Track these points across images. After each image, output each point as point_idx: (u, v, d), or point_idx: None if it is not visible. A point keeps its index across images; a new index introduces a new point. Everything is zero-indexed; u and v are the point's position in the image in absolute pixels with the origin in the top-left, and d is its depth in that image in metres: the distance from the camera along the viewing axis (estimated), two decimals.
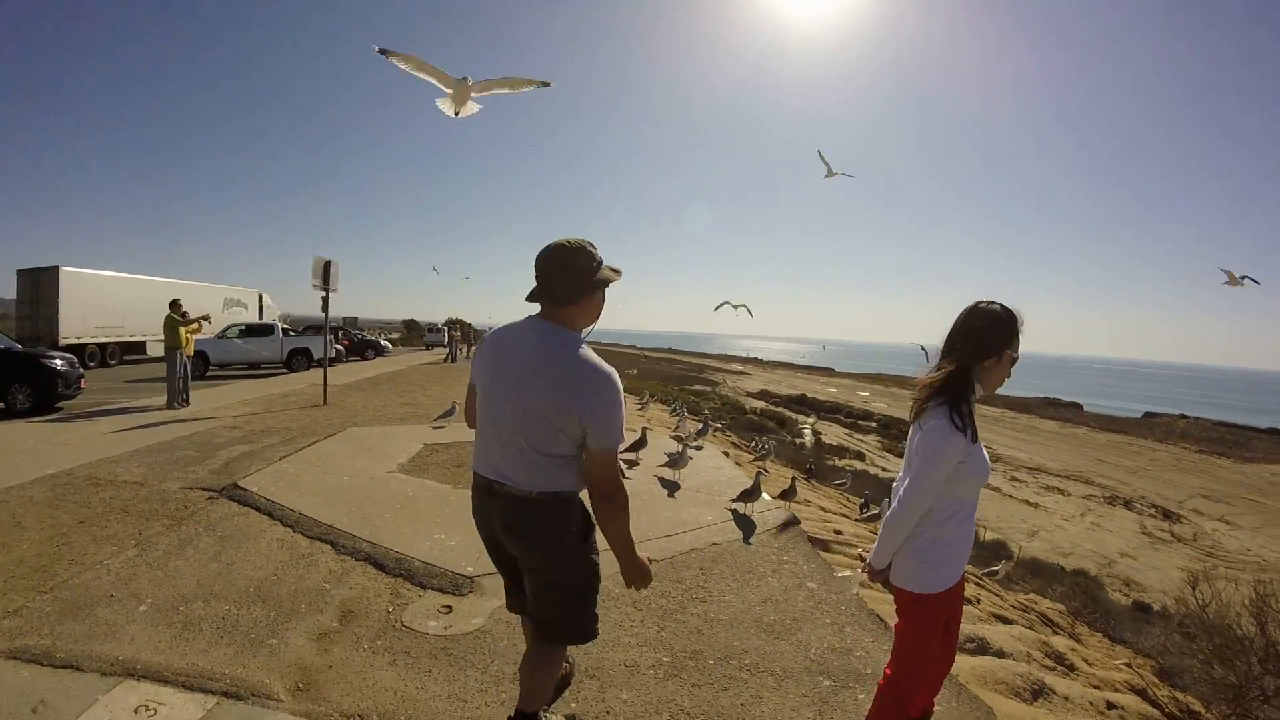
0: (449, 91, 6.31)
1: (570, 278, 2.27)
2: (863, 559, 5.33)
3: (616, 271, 2.41)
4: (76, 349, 20.23)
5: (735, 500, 6.25)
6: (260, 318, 31.94)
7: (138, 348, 25.18)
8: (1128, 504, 25.39)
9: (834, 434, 35.25)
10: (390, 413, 12.00)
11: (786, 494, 6.66)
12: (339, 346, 26.99)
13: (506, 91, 6.63)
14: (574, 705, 2.97)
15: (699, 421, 10.91)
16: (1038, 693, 3.71)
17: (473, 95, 6.50)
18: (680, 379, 48.39)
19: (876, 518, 7.16)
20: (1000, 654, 4.16)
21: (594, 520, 2.34)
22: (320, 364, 22.02)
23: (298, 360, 22.71)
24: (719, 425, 14.27)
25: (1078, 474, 30.35)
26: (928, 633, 2.42)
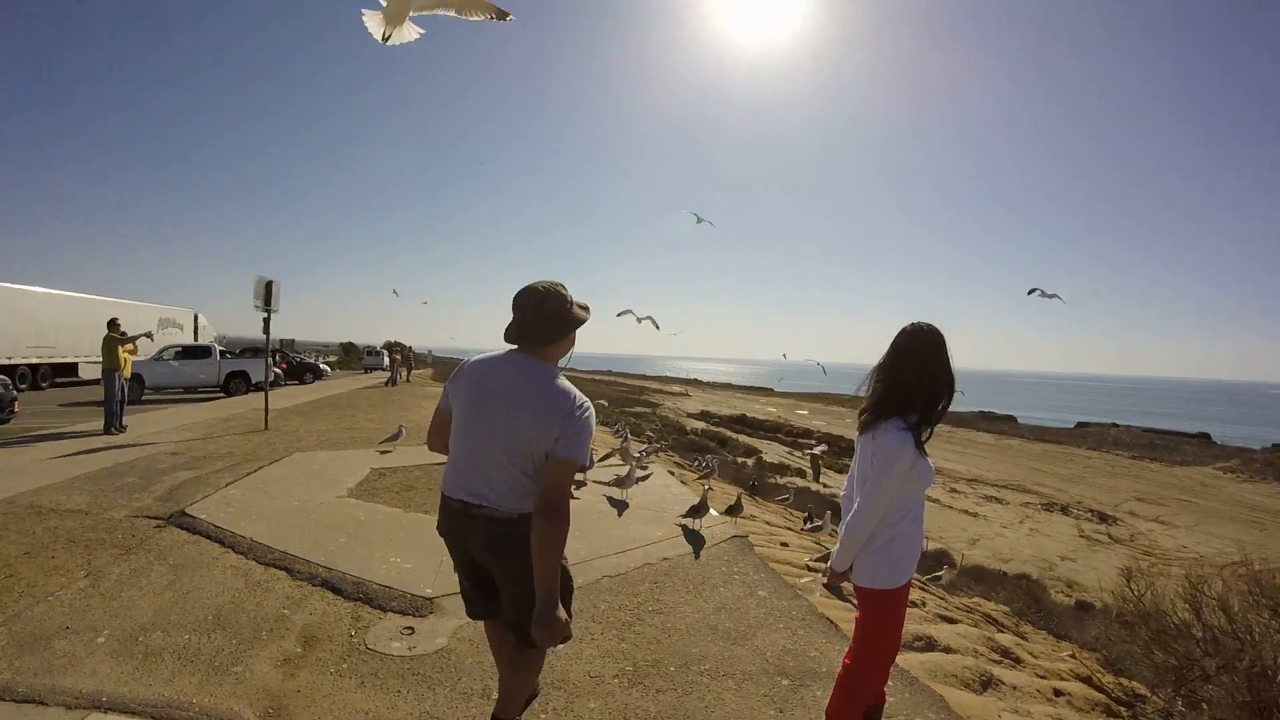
0: (383, 2, 4.97)
1: (549, 321, 2.48)
2: (810, 568, 5.54)
3: (586, 310, 2.63)
4: (7, 370, 19.16)
5: (684, 516, 6.38)
6: (196, 339, 31.02)
7: (69, 369, 24.12)
8: (1065, 510, 26.12)
9: (775, 452, 35.69)
10: (334, 437, 11.85)
11: (733, 509, 6.82)
12: (277, 370, 26.44)
13: (453, 14, 5.34)
14: (543, 717, 3.05)
15: (643, 442, 11.06)
16: (987, 683, 3.92)
17: (411, 14, 5.23)
18: (621, 401, 48.54)
19: (819, 529, 7.38)
20: (948, 650, 4.37)
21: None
22: (259, 387, 21.54)
23: (235, 383, 22.17)
24: (660, 446, 14.50)
25: (1015, 483, 31.21)
26: (889, 625, 2.66)
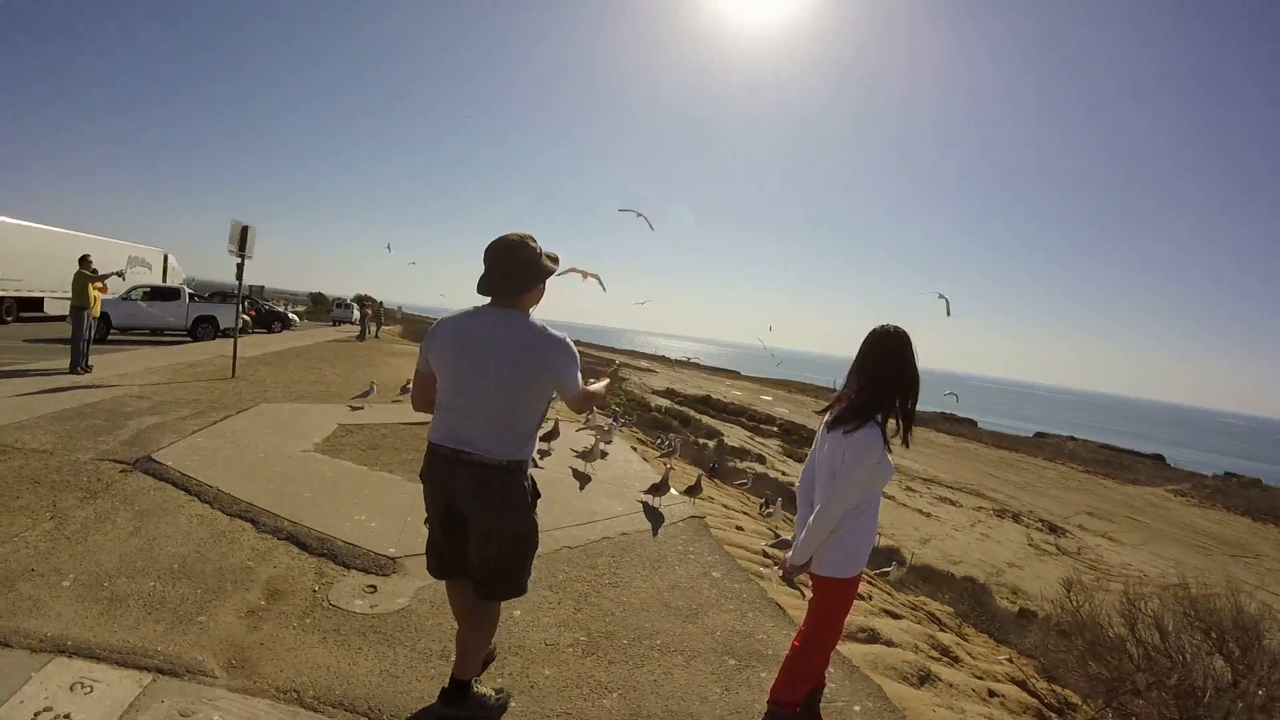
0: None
1: (521, 272, 2.64)
2: (767, 554, 5.70)
3: (555, 260, 2.79)
4: None
5: (645, 493, 6.50)
6: (165, 280, 30.32)
7: (35, 304, 23.55)
8: (1016, 517, 26.70)
9: (736, 436, 36.00)
10: (300, 390, 11.79)
11: (692, 490, 6.94)
12: (246, 317, 26.11)
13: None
14: (500, 680, 3.16)
15: (608, 416, 11.16)
16: (924, 679, 4.07)
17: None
18: (587, 372, 48.58)
19: (772, 515, 7.53)
20: (890, 643, 4.52)
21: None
22: (226, 334, 21.24)
23: (203, 328, 21.80)
24: (624, 422, 14.61)
25: (970, 487, 31.82)
26: (842, 611, 2.86)
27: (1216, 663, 5.59)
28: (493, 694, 2.92)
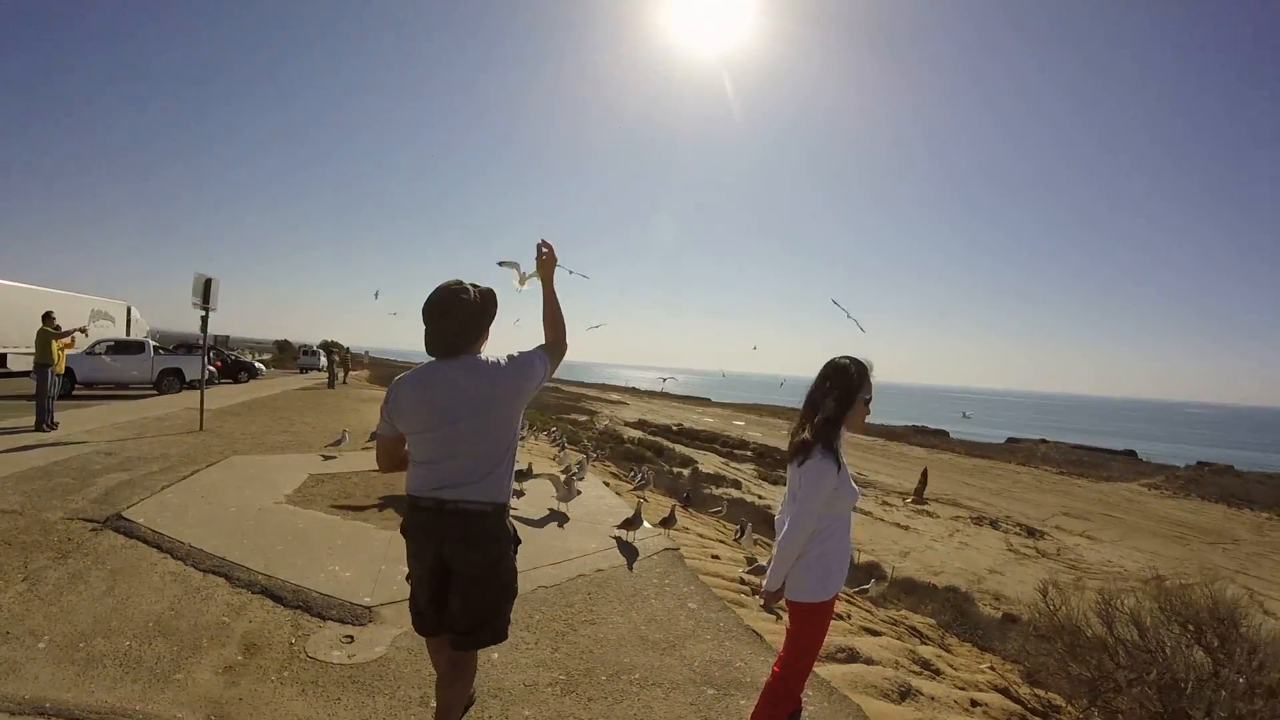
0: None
1: (465, 329, 2.63)
2: (744, 581, 5.77)
3: (492, 299, 2.72)
4: None
5: (618, 528, 6.54)
6: (128, 333, 29.95)
7: None
8: (994, 524, 26.73)
9: (711, 463, 36.09)
10: (270, 440, 11.72)
11: (667, 521, 6.98)
12: (212, 368, 25.80)
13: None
14: None
15: (580, 452, 11.21)
16: (905, 694, 4.13)
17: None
18: (559, 408, 48.60)
19: (741, 539, 7.59)
20: (869, 661, 4.57)
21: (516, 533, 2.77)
22: (193, 386, 20.99)
23: (169, 381, 21.54)
24: (597, 455, 14.70)
25: (945, 497, 32.00)
26: (817, 636, 2.91)
27: (1197, 654, 5.70)
28: None
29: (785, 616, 3.55)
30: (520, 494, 7.90)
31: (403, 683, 3.58)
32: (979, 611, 13.80)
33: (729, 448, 44.10)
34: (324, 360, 36.33)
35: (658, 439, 41.32)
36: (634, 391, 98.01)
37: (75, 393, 19.01)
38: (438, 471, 2.57)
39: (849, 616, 6.05)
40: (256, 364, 34.33)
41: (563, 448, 11.64)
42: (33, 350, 11.92)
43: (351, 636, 4.12)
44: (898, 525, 25.31)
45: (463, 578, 2.61)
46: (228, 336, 44.75)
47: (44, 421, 11.41)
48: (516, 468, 6.92)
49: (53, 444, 9.92)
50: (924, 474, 32.07)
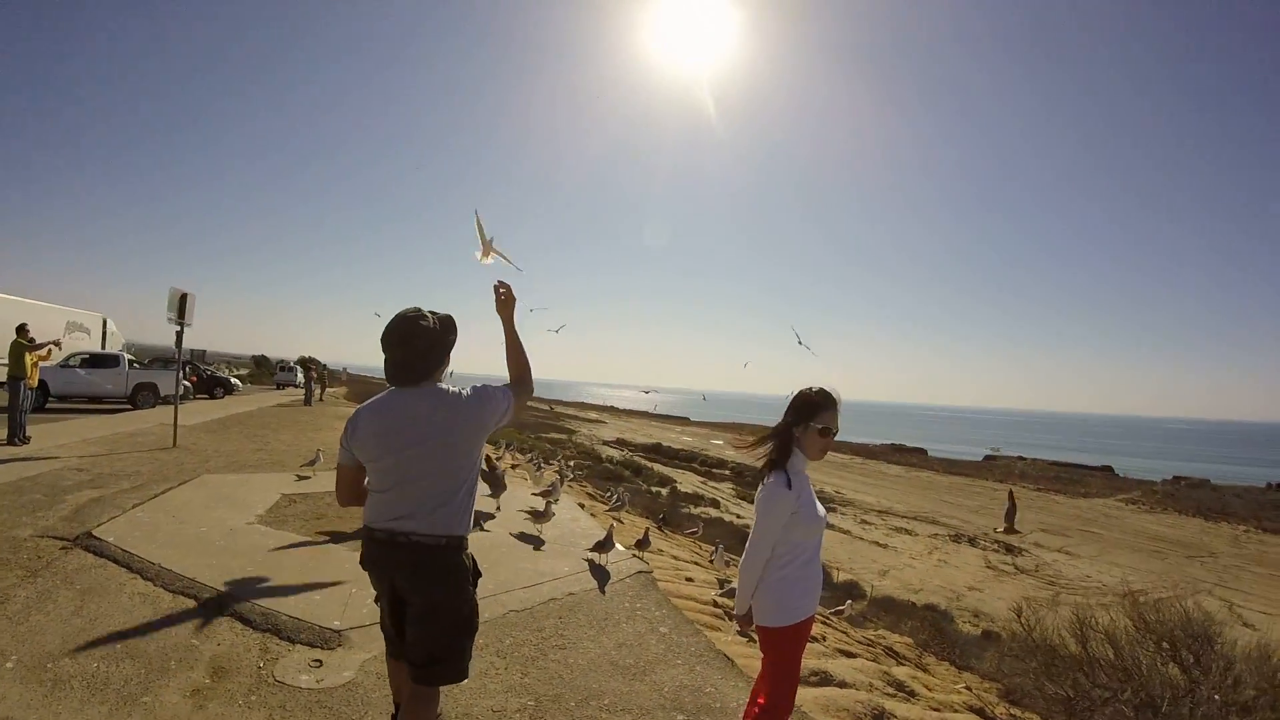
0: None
1: (425, 358, 2.60)
2: (718, 604, 5.79)
3: (452, 327, 2.72)
4: None
5: (590, 550, 6.51)
6: (103, 346, 29.59)
7: None
8: (972, 541, 26.83)
9: (689, 482, 36.09)
10: (244, 459, 11.63)
11: (641, 544, 6.97)
12: (187, 383, 25.59)
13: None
14: None
15: (555, 473, 11.19)
16: (878, 717, 4.14)
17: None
18: (537, 427, 48.47)
19: (716, 563, 7.60)
20: (843, 684, 4.59)
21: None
22: (167, 401, 20.81)
23: (143, 395, 21.35)
24: (573, 476, 14.65)
25: (924, 515, 32.15)
26: (790, 661, 2.89)
27: (1172, 670, 5.76)
28: None
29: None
30: (491, 516, 7.89)
31: (371, 708, 3.57)
32: (958, 629, 13.88)
33: (707, 466, 44.09)
34: (301, 377, 36.14)
35: (635, 458, 41.27)
36: (612, 410, 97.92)
37: (49, 405, 18.82)
38: (392, 502, 2.54)
39: (824, 638, 6.07)
40: (233, 380, 34.07)
41: (539, 467, 11.64)
42: (5, 363, 11.80)
43: (320, 660, 4.10)
44: (876, 543, 25.38)
45: (416, 611, 2.56)
46: (204, 351, 44.34)
47: (16, 435, 11.29)
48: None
49: (24, 459, 9.81)
50: (1010, 497, 31.57)
